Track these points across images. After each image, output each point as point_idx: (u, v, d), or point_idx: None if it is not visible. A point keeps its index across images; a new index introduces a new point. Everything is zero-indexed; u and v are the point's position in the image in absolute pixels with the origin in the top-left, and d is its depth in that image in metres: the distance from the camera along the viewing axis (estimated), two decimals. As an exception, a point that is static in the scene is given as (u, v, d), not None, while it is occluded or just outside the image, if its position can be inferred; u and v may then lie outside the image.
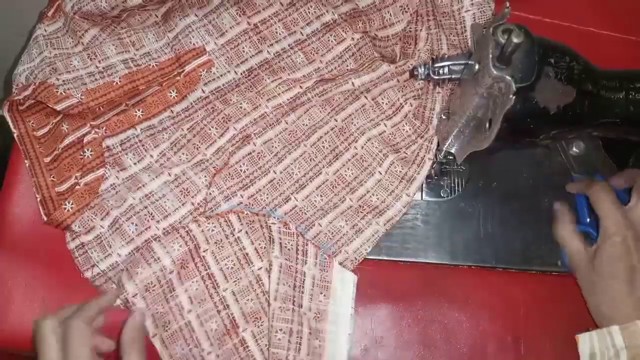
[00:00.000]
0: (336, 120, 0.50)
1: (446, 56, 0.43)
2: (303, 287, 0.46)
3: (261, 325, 0.46)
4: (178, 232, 0.47)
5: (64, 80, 0.49)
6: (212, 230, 0.47)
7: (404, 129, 0.51)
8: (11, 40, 0.72)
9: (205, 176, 0.49)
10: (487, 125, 0.38)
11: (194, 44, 0.51)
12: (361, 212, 0.48)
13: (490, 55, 0.35)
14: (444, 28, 0.51)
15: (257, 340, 0.46)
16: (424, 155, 0.50)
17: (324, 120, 0.51)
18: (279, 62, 0.53)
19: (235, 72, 0.52)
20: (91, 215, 0.48)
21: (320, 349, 0.45)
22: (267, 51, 0.52)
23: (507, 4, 0.34)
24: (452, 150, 0.48)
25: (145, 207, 0.48)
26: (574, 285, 0.50)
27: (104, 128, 0.49)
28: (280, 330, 0.44)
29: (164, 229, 0.47)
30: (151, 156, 0.50)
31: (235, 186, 0.49)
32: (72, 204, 0.47)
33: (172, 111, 0.51)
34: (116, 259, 0.47)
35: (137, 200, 0.48)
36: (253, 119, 0.51)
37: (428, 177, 0.51)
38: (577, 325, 0.48)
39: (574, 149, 0.52)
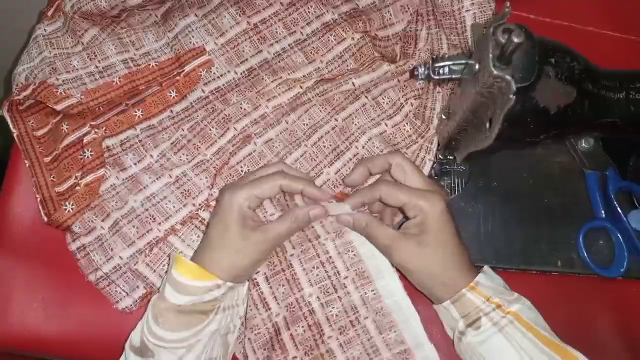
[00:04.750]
0: (337, 120, 0.50)
1: (446, 56, 0.43)
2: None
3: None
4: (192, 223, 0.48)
5: (63, 80, 0.49)
6: None
7: (404, 129, 0.51)
8: (11, 40, 0.72)
9: (206, 177, 0.49)
10: (488, 125, 0.38)
11: (193, 44, 0.51)
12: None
13: (491, 55, 0.34)
14: (444, 28, 0.51)
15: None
16: (425, 156, 0.50)
17: (325, 120, 0.51)
18: (279, 62, 0.52)
19: (235, 72, 0.52)
20: (91, 216, 0.48)
21: (356, 256, 0.45)
22: (267, 51, 0.52)
23: (508, 4, 0.34)
24: (453, 150, 0.48)
25: (147, 210, 0.48)
26: (574, 285, 0.50)
27: (104, 128, 0.49)
28: (314, 267, 0.45)
29: (165, 230, 0.47)
30: (151, 156, 0.50)
31: (235, 186, 0.49)
32: (72, 205, 0.47)
33: (171, 111, 0.51)
34: (118, 262, 0.47)
35: (139, 203, 0.48)
36: (253, 119, 0.51)
37: (428, 177, 0.51)
38: (577, 325, 0.48)
39: (584, 144, 0.52)
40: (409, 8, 0.50)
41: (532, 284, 0.50)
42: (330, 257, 0.46)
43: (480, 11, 0.48)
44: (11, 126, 0.51)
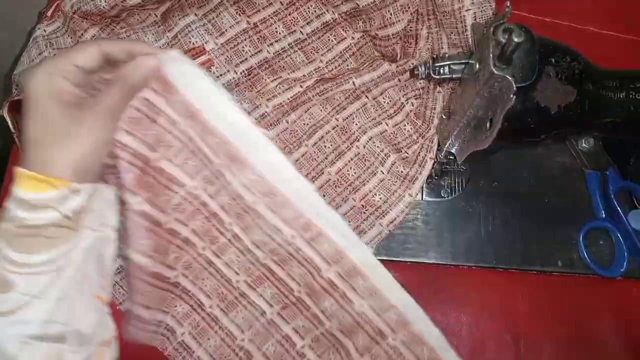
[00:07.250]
0: (337, 120, 0.50)
1: (447, 55, 0.43)
2: None
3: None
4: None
5: (63, 80, 0.48)
6: None
7: (405, 129, 0.51)
8: (11, 40, 0.72)
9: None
10: (488, 124, 0.38)
11: (193, 44, 0.51)
12: (364, 212, 0.48)
13: (491, 55, 0.34)
14: (444, 27, 0.51)
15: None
16: (425, 155, 0.50)
17: (325, 120, 0.50)
18: (279, 61, 0.52)
19: (235, 71, 0.52)
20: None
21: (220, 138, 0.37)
22: (267, 50, 0.52)
23: (508, 4, 0.34)
24: (453, 150, 0.48)
25: None
26: (574, 285, 0.50)
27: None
28: (186, 160, 0.39)
29: None
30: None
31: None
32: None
33: (172, 111, 0.51)
34: (121, 263, 0.47)
35: None
36: (254, 119, 0.51)
37: (429, 177, 0.51)
38: (577, 325, 0.48)
39: (584, 144, 0.52)
40: (409, 7, 0.50)
41: (532, 284, 0.50)
42: (196, 143, 0.38)
43: (481, 11, 0.48)
44: (11, 127, 0.50)
